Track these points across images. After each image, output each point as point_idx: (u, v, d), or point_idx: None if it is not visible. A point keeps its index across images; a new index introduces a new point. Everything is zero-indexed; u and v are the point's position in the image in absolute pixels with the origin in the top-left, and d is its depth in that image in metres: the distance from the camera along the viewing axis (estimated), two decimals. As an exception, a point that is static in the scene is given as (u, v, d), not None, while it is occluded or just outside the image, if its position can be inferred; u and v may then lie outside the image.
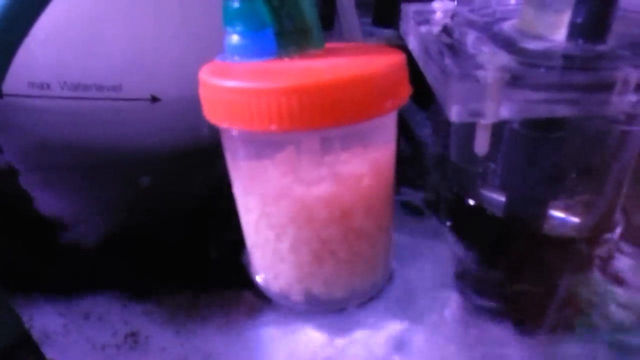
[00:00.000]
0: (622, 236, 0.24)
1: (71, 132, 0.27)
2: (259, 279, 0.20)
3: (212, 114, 0.16)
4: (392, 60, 0.16)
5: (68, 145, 0.27)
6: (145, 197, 0.27)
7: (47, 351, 0.19)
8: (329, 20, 0.37)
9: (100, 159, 0.28)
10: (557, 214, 0.24)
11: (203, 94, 0.17)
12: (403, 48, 0.23)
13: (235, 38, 0.17)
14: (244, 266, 0.22)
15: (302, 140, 0.17)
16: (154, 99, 0.26)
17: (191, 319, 0.20)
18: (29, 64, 0.25)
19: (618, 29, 0.20)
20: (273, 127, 0.15)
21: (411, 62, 0.21)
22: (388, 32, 0.42)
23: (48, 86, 0.26)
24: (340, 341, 0.19)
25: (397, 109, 0.17)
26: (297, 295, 0.19)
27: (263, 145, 0.17)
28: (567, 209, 0.24)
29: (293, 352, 0.19)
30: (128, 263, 0.24)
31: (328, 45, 0.18)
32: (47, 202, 0.27)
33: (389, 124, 0.18)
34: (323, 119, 0.15)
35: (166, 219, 0.26)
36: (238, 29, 0.17)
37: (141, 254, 0.24)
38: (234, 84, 0.15)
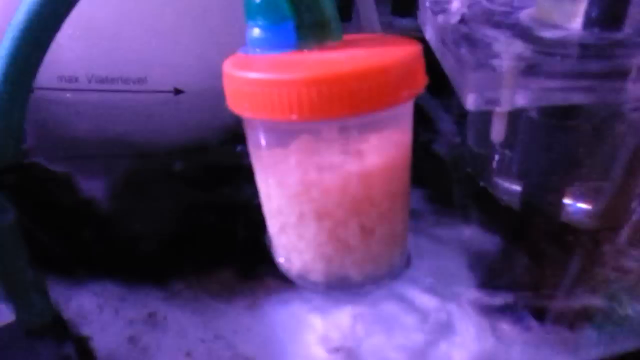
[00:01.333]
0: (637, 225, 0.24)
1: (98, 124, 0.28)
2: (280, 260, 0.21)
3: (236, 104, 0.17)
4: (408, 50, 0.17)
5: (95, 136, 0.28)
6: (171, 184, 0.28)
7: (83, 329, 0.20)
8: (347, 11, 0.37)
9: (125, 149, 0.29)
10: (569, 200, 0.24)
11: (227, 85, 0.17)
12: (421, 38, 0.24)
13: (256, 31, 0.18)
14: (267, 248, 0.22)
15: (322, 128, 0.17)
16: (177, 91, 0.27)
17: (215, 300, 0.21)
18: (57, 58, 0.26)
19: (634, 17, 0.20)
20: (294, 117, 0.16)
21: (428, 51, 0.21)
22: (407, 22, 0.42)
23: (76, 79, 0.27)
24: (358, 323, 0.19)
25: (413, 98, 0.17)
26: (317, 278, 0.20)
27: (284, 134, 0.18)
28: (579, 195, 0.24)
29: (316, 332, 0.19)
30: (154, 246, 0.24)
31: (346, 36, 0.18)
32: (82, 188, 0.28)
33: (405, 112, 0.19)
34: (341, 109, 0.16)
35: (190, 205, 0.27)
36: (259, 22, 0.17)
37: (165, 239, 0.25)
38: (256, 75, 0.16)
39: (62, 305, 0.20)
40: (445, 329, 0.19)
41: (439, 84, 0.20)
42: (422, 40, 0.23)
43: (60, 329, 0.18)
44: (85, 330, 0.20)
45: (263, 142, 0.18)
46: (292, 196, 0.18)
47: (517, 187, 0.25)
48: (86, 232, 0.25)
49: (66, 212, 0.27)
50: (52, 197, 0.27)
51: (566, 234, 0.24)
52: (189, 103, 0.28)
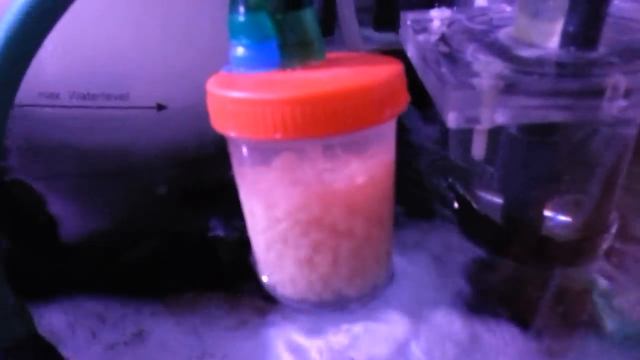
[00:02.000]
0: (617, 236, 0.24)
1: (80, 140, 0.28)
2: (264, 279, 0.21)
3: (219, 123, 0.17)
4: (390, 70, 0.17)
5: (76, 153, 0.28)
6: (153, 202, 0.28)
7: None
8: (329, 26, 0.38)
9: (107, 166, 0.28)
10: (550, 213, 0.24)
11: (210, 104, 0.17)
12: (403, 53, 0.24)
13: (240, 50, 0.18)
14: (251, 267, 0.22)
15: (305, 147, 0.17)
16: (160, 107, 0.27)
17: (198, 318, 0.21)
18: (38, 74, 0.25)
19: (608, 36, 0.20)
20: (278, 136, 0.16)
21: (410, 66, 0.21)
22: (388, 37, 0.43)
23: (57, 96, 0.26)
24: (343, 340, 0.19)
25: (395, 116, 0.18)
26: (300, 296, 0.20)
27: (268, 153, 0.18)
28: (560, 208, 0.24)
29: (299, 351, 0.19)
30: (136, 264, 0.24)
31: (329, 55, 0.19)
32: (56, 207, 0.28)
33: (388, 131, 0.19)
34: (325, 128, 0.16)
35: (173, 222, 0.27)
36: (243, 41, 0.17)
37: (149, 256, 0.25)
38: (241, 95, 0.16)
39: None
40: (430, 341, 0.19)
41: (420, 97, 0.21)
42: (404, 55, 0.23)
43: (40, 349, 0.18)
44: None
45: (247, 160, 0.18)
46: (276, 214, 0.18)
47: (499, 200, 0.25)
48: (64, 250, 0.25)
49: (43, 229, 0.26)
50: (28, 215, 0.27)
51: (547, 245, 0.24)
52: (171, 119, 0.27)
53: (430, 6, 0.27)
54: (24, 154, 0.28)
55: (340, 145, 0.18)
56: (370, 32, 0.45)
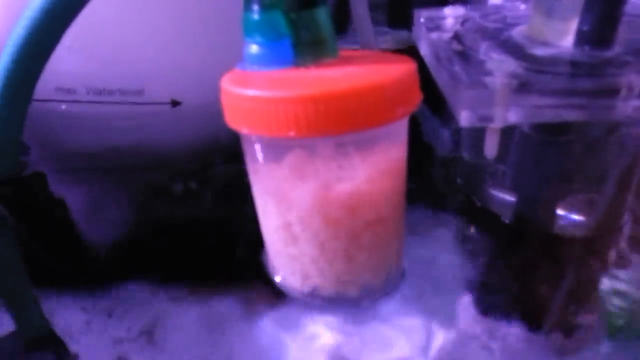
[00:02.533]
0: (630, 237, 0.24)
1: (96, 136, 0.28)
2: (276, 276, 0.21)
3: (233, 120, 0.17)
4: (403, 68, 0.17)
5: (93, 148, 0.28)
6: (167, 198, 0.28)
7: (70, 346, 0.20)
8: (343, 24, 0.38)
9: (123, 161, 0.29)
10: (564, 211, 0.24)
11: (225, 101, 0.18)
12: (416, 50, 0.24)
13: (254, 48, 0.18)
14: (262, 263, 0.23)
15: (318, 145, 0.17)
16: (175, 103, 0.27)
17: (208, 313, 0.21)
18: (55, 70, 0.26)
19: (623, 35, 0.20)
20: (291, 134, 0.16)
21: (422, 64, 0.21)
22: (401, 34, 0.43)
23: (74, 91, 0.27)
24: (354, 337, 0.20)
25: (408, 115, 0.18)
26: (312, 293, 0.20)
27: (281, 150, 0.18)
28: (573, 206, 0.24)
29: (309, 347, 0.19)
30: (148, 261, 0.25)
31: (342, 53, 0.19)
32: (72, 201, 0.29)
33: (400, 129, 0.19)
34: (338, 126, 0.16)
35: (184, 219, 0.27)
36: (257, 39, 0.18)
37: (159, 253, 0.25)
38: (254, 92, 0.16)
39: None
40: (440, 339, 0.19)
41: (433, 95, 0.21)
42: (417, 52, 0.23)
43: (57, 343, 0.18)
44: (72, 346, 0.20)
45: (260, 157, 0.19)
46: (287, 211, 0.19)
47: (511, 198, 0.25)
48: (79, 245, 0.25)
49: (58, 224, 0.27)
50: (45, 210, 0.28)
51: (559, 244, 0.24)
52: (186, 115, 0.28)
53: (444, 4, 0.27)
54: (41, 148, 0.29)
55: (352, 143, 0.18)
56: (383, 28, 0.45)
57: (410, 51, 0.21)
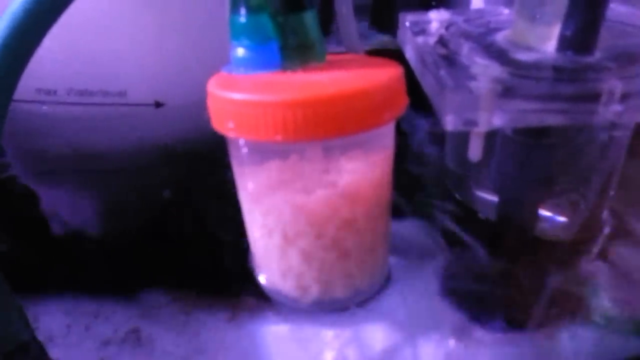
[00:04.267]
0: (610, 236, 0.25)
1: (77, 137, 0.28)
2: (261, 279, 0.21)
3: (220, 124, 0.17)
4: (390, 73, 0.17)
5: (74, 149, 0.28)
6: (149, 200, 0.28)
7: (51, 351, 0.20)
8: (326, 25, 0.38)
9: (104, 163, 0.28)
10: (546, 213, 0.25)
11: (211, 105, 0.17)
12: (399, 53, 0.24)
13: (241, 51, 0.18)
14: (248, 267, 0.23)
15: (306, 149, 0.17)
16: (158, 105, 0.27)
17: (194, 317, 0.21)
18: (36, 71, 0.25)
19: (605, 41, 0.21)
20: (278, 138, 0.16)
21: (408, 66, 0.21)
22: (385, 37, 0.43)
23: (55, 92, 0.26)
24: (340, 340, 0.20)
25: (395, 119, 0.18)
26: (298, 296, 0.20)
27: (268, 154, 0.18)
28: (555, 208, 0.25)
29: (295, 351, 0.19)
30: (133, 263, 0.24)
31: (329, 57, 0.19)
32: (52, 204, 0.28)
33: (387, 133, 0.19)
34: (325, 130, 0.16)
35: (168, 221, 0.27)
36: (244, 42, 0.18)
37: (144, 255, 0.25)
38: (242, 96, 0.16)
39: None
40: (422, 340, 0.20)
41: (417, 99, 0.21)
42: (401, 55, 0.23)
43: (37, 351, 0.18)
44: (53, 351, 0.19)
45: (247, 161, 0.19)
46: (275, 214, 0.19)
47: (495, 199, 0.26)
48: (59, 247, 0.25)
49: (38, 226, 0.26)
50: (21, 212, 0.27)
51: (541, 245, 0.24)
52: (169, 116, 0.27)
53: (427, 8, 0.27)
54: (21, 150, 0.28)
55: (340, 147, 0.18)
56: (366, 31, 0.45)
57: (392, 55, 0.21)
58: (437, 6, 0.27)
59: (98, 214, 0.28)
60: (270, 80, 0.17)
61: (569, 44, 0.20)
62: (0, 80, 0.22)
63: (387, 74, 0.17)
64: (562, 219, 0.25)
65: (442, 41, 0.23)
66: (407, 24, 0.25)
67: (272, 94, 0.16)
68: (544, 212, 0.25)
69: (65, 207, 0.28)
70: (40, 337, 0.20)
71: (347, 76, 0.17)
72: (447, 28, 0.24)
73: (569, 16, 0.20)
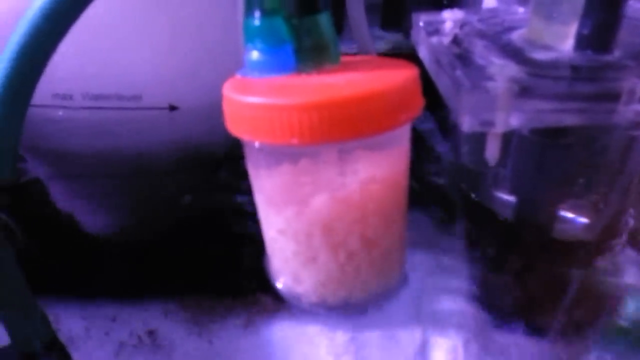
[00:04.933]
0: (631, 239, 0.24)
1: (92, 141, 0.28)
2: (278, 283, 0.21)
3: (235, 127, 0.17)
4: (405, 74, 0.17)
5: (89, 153, 0.28)
6: (168, 204, 0.28)
7: (72, 353, 0.20)
8: (338, 25, 0.38)
9: (120, 167, 0.28)
10: (567, 214, 0.24)
11: (226, 109, 0.17)
12: (411, 53, 0.24)
13: (255, 54, 0.18)
14: (264, 270, 0.23)
15: (321, 151, 0.17)
16: (172, 108, 0.27)
17: (212, 320, 0.21)
18: (52, 76, 0.25)
19: (624, 39, 0.20)
20: (294, 141, 0.16)
21: (421, 67, 0.21)
22: (396, 37, 0.43)
23: (71, 97, 0.27)
24: (355, 343, 0.20)
25: (410, 121, 0.18)
26: (314, 299, 0.20)
27: (283, 157, 0.18)
28: (576, 209, 0.24)
29: (310, 354, 0.19)
30: (151, 267, 0.24)
31: (343, 58, 0.19)
32: (70, 208, 0.28)
33: (403, 134, 0.19)
34: (341, 133, 0.16)
35: (186, 225, 0.27)
36: (258, 45, 0.17)
37: (162, 258, 0.25)
38: (257, 100, 0.16)
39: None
40: (442, 341, 0.19)
41: (432, 100, 0.21)
42: (413, 55, 0.23)
43: (59, 352, 0.18)
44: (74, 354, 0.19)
45: (262, 163, 0.19)
46: (290, 217, 0.19)
47: (512, 199, 0.25)
48: (80, 250, 0.25)
49: (59, 229, 0.27)
50: (40, 216, 0.27)
51: (559, 247, 0.24)
52: (183, 120, 0.28)
53: (439, 7, 0.27)
54: (39, 155, 0.28)
55: (355, 150, 0.18)
56: (378, 31, 0.45)
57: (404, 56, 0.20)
58: (449, 5, 0.27)
59: (116, 218, 0.28)
60: (285, 83, 0.17)
61: (587, 43, 0.20)
62: (18, 85, 0.22)
63: (402, 75, 0.17)
64: (584, 220, 0.24)
65: (456, 41, 0.22)
66: (421, 24, 0.25)
67: (287, 97, 0.16)
68: (566, 214, 0.24)
69: (84, 212, 0.28)
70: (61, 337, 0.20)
71: (362, 78, 0.17)
72: (461, 27, 0.24)
73: (587, 14, 0.19)
